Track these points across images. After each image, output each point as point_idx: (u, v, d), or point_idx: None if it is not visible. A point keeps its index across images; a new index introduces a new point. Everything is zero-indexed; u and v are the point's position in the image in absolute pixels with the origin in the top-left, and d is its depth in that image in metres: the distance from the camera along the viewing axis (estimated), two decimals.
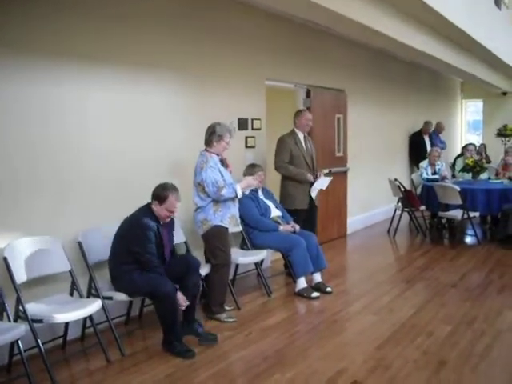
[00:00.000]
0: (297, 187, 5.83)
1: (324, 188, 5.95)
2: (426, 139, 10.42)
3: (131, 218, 4.05)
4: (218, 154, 4.58)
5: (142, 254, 3.89)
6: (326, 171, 5.97)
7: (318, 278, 5.39)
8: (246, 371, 3.64)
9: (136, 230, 3.93)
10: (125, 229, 4.03)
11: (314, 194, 5.88)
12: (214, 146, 4.54)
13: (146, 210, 4.03)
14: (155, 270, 3.91)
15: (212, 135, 4.53)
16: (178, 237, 4.79)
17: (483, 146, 11.05)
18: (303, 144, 5.91)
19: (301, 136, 5.93)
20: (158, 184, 4.06)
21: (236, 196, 4.58)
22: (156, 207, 4.00)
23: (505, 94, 13.74)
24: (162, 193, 3.98)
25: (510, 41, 11.01)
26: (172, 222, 4.27)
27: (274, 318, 4.67)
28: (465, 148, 9.48)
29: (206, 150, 4.57)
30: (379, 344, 4.03)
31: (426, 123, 10.45)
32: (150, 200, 4.04)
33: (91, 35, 4.23)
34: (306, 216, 5.89)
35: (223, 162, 4.66)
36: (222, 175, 4.52)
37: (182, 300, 3.94)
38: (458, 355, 3.82)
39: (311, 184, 5.83)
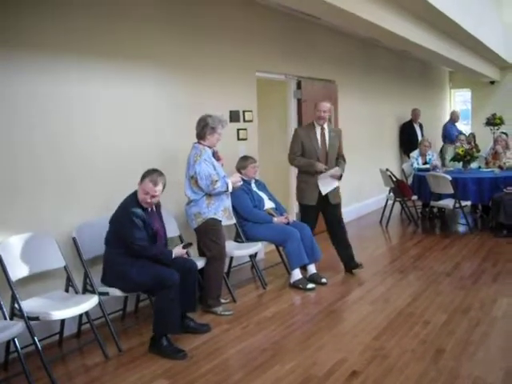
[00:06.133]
0: (307, 182, 5.52)
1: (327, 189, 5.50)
2: (417, 128, 10.44)
3: (120, 205, 3.97)
4: (210, 147, 4.56)
5: (132, 242, 3.81)
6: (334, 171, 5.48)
7: (312, 269, 5.39)
8: (246, 364, 3.63)
9: (123, 217, 3.88)
10: (114, 217, 3.97)
11: (323, 189, 5.48)
12: (208, 139, 4.51)
13: (133, 196, 3.97)
14: (150, 253, 3.87)
15: (205, 128, 4.49)
16: (172, 231, 4.76)
17: (472, 135, 11.05)
18: (318, 137, 5.54)
19: (317, 129, 5.55)
20: None
21: (227, 190, 4.56)
22: (138, 190, 3.95)
23: (493, 83, 13.75)
24: (143, 175, 3.95)
25: (497, 29, 11.05)
26: (160, 211, 4.18)
27: (271, 309, 4.67)
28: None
29: (199, 142, 4.54)
30: (377, 334, 4.04)
31: (414, 110, 10.49)
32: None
33: (86, 31, 4.20)
34: (317, 213, 5.65)
35: (215, 155, 4.64)
36: (214, 168, 4.50)
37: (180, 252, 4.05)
38: (456, 343, 3.84)
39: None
